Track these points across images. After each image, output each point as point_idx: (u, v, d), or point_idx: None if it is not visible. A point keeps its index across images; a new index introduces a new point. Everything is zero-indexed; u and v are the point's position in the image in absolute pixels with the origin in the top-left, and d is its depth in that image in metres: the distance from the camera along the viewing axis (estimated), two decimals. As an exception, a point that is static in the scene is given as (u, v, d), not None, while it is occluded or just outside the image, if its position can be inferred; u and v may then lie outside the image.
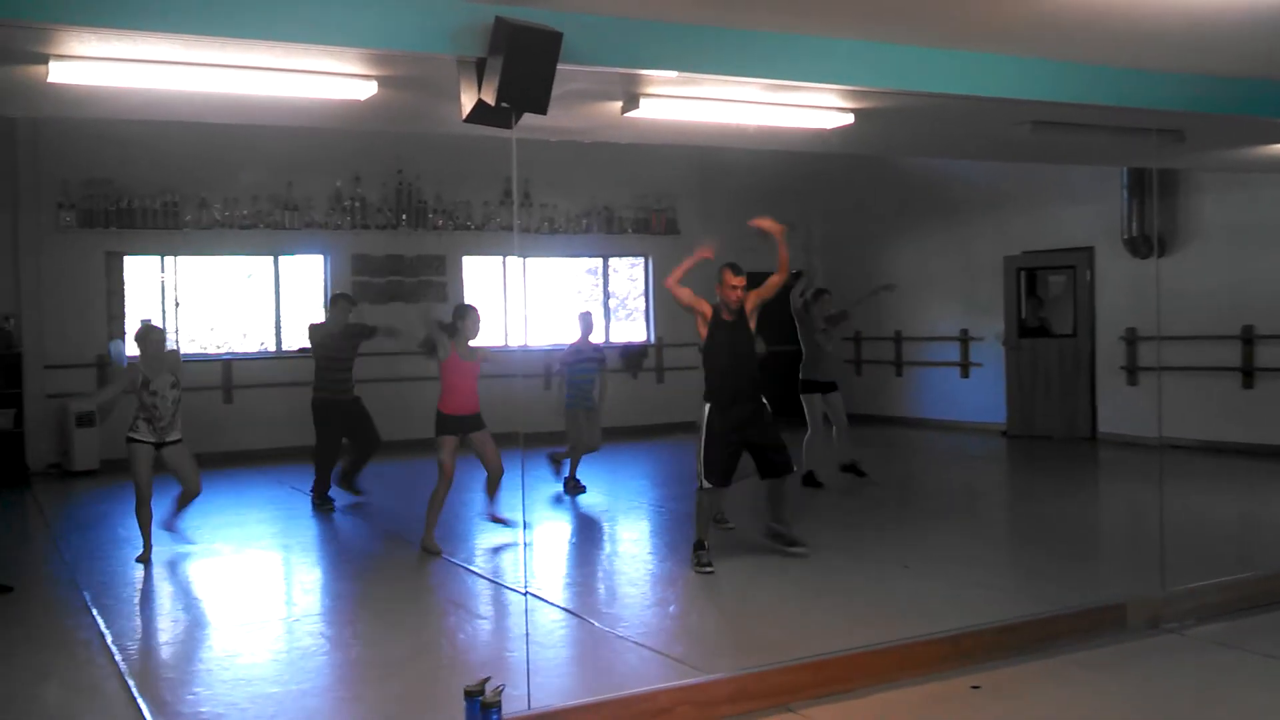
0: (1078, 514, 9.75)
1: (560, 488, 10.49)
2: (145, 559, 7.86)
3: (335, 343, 9.93)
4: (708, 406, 7.37)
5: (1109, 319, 13.60)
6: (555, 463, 10.63)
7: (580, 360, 10.42)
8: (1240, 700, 4.96)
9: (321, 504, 9.99)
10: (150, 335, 8.16)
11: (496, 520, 8.64)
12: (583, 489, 10.46)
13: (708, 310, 7.44)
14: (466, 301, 8.46)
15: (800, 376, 10.25)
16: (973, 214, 15.20)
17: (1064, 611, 5.85)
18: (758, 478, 7.54)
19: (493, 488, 8.46)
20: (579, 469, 10.51)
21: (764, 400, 7.46)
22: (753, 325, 7.45)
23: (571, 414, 10.38)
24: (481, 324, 8.22)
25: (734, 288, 7.31)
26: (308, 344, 10.24)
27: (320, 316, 14.15)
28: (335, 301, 10.30)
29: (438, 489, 8.03)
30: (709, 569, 7.20)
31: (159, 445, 7.92)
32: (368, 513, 9.88)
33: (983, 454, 13.60)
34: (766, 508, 7.75)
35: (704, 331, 7.46)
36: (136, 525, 8.00)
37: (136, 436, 7.90)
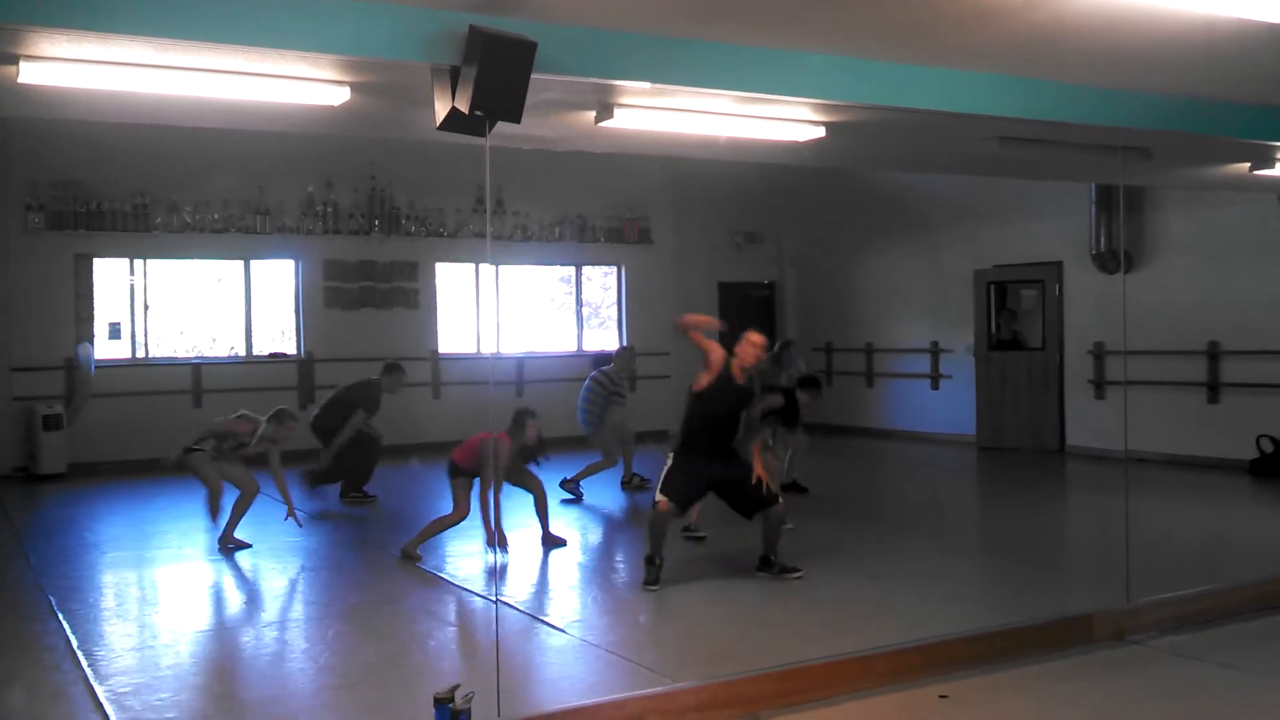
0: (1045, 526, 9.84)
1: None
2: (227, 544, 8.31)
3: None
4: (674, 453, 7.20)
5: (1077, 333, 13.72)
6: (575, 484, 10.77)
7: (591, 386, 10.76)
8: (1202, 711, 5.02)
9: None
10: (284, 421, 8.35)
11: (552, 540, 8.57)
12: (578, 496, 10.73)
13: (720, 357, 7.11)
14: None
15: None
16: (943, 228, 15.31)
17: (1031, 622, 5.90)
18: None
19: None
20: (584, 481, 10.78)
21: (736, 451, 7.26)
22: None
23: (591, 434, 10.80)
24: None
25: (754, 345, 7.12)
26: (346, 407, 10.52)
27: (290, 323, 14.26)
28: (392, 372, 10.61)
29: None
30: (654, 587, 6.98)
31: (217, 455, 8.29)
32: (339, 520, 9.83)
33: (952, 466, 13.68)
34: (762, 542, 7.34)
35: (704, 380, 7.13)
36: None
37: (197, 447, 8.24)
